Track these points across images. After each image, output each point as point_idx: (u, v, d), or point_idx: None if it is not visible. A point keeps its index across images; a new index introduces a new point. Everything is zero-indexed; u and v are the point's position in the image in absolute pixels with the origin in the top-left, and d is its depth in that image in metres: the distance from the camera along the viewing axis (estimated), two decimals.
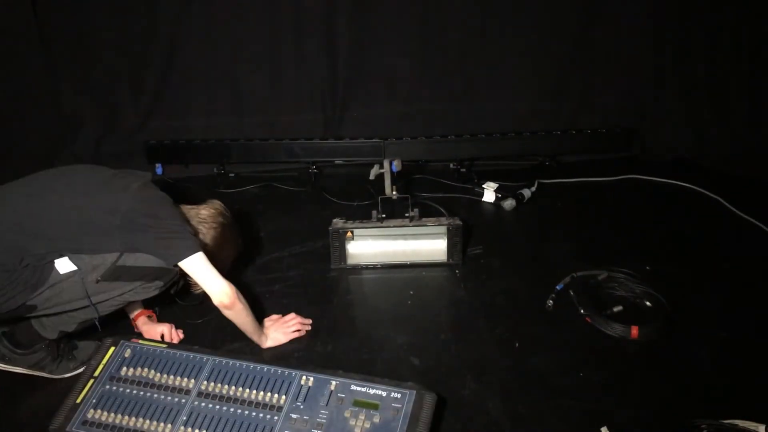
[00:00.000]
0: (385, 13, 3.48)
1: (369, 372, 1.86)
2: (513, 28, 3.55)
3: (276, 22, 3.44)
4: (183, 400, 1.79)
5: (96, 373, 1.88)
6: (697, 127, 3.67)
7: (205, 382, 1.82)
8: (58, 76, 3.41)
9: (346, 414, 1.70)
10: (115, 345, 1.95)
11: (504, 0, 3.50)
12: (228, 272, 2.04)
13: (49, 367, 2.01)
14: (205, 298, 1.95)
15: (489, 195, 3.19)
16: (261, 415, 1.73)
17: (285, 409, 1.73)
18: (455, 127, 3.60)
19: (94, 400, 1.80)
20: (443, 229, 2.57)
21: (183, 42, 3.44)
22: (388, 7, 3.47)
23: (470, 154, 3.55)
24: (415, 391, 1.73)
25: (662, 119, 3.70)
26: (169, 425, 1.73)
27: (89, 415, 1.76)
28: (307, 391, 1.77)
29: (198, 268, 1.86)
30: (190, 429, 1.72)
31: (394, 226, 2.57)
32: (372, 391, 1.75)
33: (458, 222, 2.57)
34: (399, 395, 1.73)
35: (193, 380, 1.83)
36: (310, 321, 2.26)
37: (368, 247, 2.65)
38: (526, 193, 3.17)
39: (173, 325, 2.21)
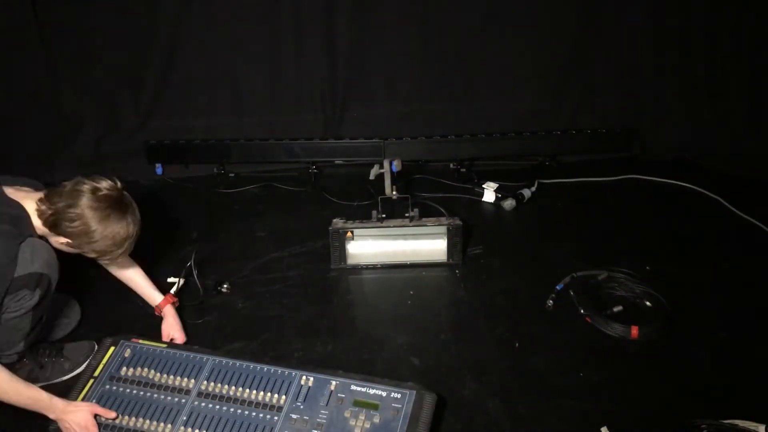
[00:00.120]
0: (385, 13, 3.47)
1: (369, 372, 1.86)
2: (513, 28, 3.54)
3: (276, 22, 3.43)
4: (183, 400, 1.79)
5: (96, 373, 1.88)
6: (697, 127, 3.67)
7: (205, 382, 1.82)
8: (58, 76, 3.40)
9: (346, 414, 1.70)
10: (115, 345, 1.95)
11: (504, 0, 3.50)
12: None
13: (42, 375, 1.97)
14: (205, 297, 1.91)
15: (489, 195, 3.18)
16: (261, 415, 1.73)
17: (285, 409, 1.73)
18: (455, 127, 3.59)
19: (94, 400, 1.81)
20: (443, 229, 2.57)
21: (183, 42, 3.43)
22: (388, 7, 3.47)
23: (470, 154, 3.55)
24: (415, 391, 1.74)
25: (662, 119, 3.69)
26: (169, 425, 1.73)
27: None
28: (307, 391, 1.77)
29: None
30: (190, 429, 1.72)
31: (394, 226, 2.57)
32: (372, 391, 1.75)
33: (458, 222, 2.57)
34: (399, 395, 1.73)
35: (193, 380, 1.83)
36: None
37: (368, 247, 2.65)
38: (526, 193, 3.17)
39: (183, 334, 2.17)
